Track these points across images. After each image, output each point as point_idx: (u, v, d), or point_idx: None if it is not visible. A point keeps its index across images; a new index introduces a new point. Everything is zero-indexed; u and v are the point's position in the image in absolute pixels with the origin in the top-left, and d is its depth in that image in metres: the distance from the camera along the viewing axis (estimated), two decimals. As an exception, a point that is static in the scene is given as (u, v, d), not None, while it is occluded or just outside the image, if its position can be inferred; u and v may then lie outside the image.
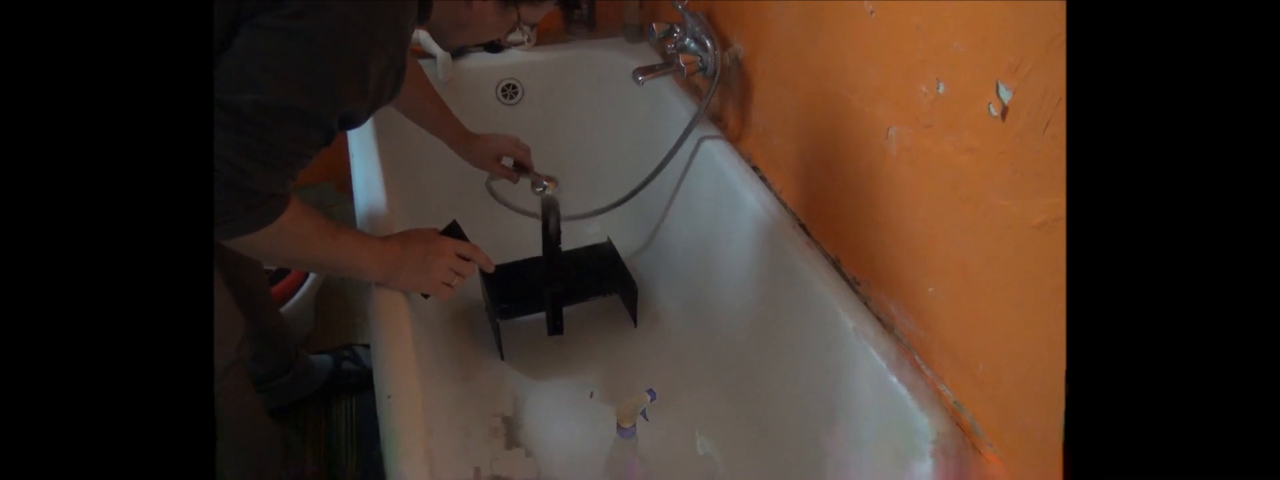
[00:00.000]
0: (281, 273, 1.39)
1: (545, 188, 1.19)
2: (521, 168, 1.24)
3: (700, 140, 1.26)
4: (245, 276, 1.13)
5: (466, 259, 0.97)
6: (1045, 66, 0.61)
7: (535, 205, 1.23)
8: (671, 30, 1.28)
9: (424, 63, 1.38)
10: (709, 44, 1.19)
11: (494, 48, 1.49)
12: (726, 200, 1.20)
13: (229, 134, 0.65)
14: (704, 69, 1.22)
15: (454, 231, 1.02)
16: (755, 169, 1.18)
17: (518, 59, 1.50)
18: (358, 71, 0.70)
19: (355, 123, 0.75)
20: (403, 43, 0.76)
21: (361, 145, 1.20)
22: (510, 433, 1.21)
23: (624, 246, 1.43)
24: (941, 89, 0.74)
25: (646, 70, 1.24)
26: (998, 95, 0.66)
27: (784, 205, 1.10)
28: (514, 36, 0.93)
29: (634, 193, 1.35)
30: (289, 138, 0.69)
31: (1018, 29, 0.63)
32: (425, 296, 0.98)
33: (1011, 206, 0.67)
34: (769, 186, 1.14)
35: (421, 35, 1.21)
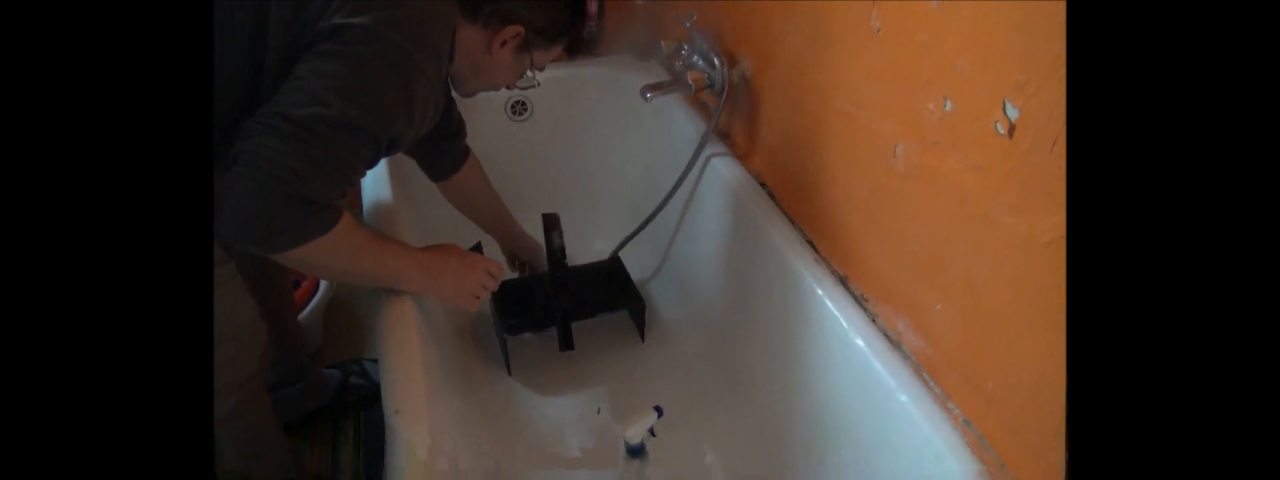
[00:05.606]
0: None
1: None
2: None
3: (708, 158, 1.26)
4: (273, 275, 1.16)
5: (494, 276, 1.01)
6: (1051, 85, 0.61)
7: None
8: (680, 48, 1.29)
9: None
10: (717, 61, 1.20)
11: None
12: (734, 217, 1.20)
13: (292, 144, 0.70)
14: (712, 86, 1.22)
15: (479, 252, 1.06)
16: (763, 186, 1.18)
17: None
18: (405, 94, 0.76)
19: (399, 146, 0.80)
20: (442, 74, 0.81)
21: (374, 176, 1.22)
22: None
23: (632, 263, 1.44)
24: (949, 107, 0.74)
25: (654, 87, 1.25)
26: (1005, 113, 0.67)
27: (792, 222, 1.10)
28: (523, 80, 0.99)
29: (646, 222, 1.36)
30: (345, 149, 0.74)
31: (1024, 48, 0.63)
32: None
33: (1019, 224, 0.67)
34: (777, 203, 1.14)
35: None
